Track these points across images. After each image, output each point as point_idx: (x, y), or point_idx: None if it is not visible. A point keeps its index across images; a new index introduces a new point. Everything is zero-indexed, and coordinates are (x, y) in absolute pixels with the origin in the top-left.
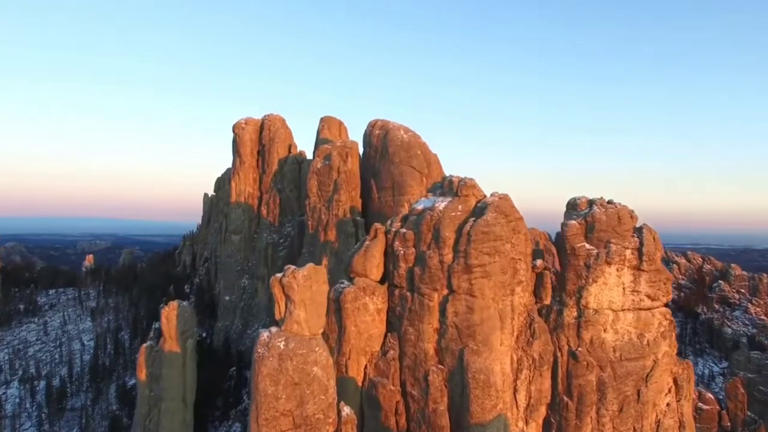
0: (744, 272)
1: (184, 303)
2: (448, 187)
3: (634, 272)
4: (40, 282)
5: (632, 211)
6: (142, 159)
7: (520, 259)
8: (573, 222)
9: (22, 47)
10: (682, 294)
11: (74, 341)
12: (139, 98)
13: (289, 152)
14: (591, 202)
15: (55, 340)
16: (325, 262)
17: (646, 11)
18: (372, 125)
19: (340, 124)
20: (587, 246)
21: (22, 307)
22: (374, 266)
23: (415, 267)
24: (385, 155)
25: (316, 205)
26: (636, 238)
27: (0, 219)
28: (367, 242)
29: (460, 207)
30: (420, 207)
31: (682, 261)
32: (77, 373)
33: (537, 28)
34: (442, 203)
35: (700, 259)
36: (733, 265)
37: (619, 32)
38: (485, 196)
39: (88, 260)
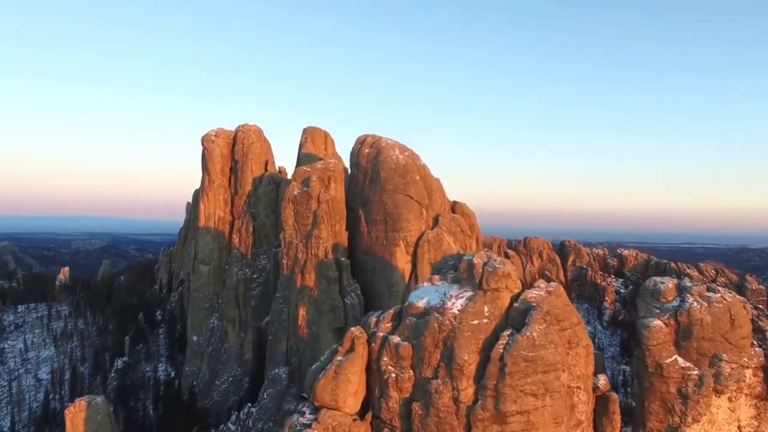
0: (762, 286)
1: (98, 399)
2: (467, 272)
3: (758, 403)
4: (8, 297)
5: (745, 303)
6: (139, 157)
7: (579, 387)
8: (657, 324)
9: (18, 46)
10: None
11: (30, 374)
12: (135, 96)
13: (266, 170)
14: (682, 289)
15: (12, 372)
16: (301, 312)
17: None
18: (360, 142)
19: (326, 135)
20: (681, 363)
21: None
22: (350, 394)
23: (413, 401)
24: (376, 180)
25: (292, 240)
26: (760, 350)
27: None
28: (339, 357)
29: (486, 309)
30: (421, 302)
31: (695, 274)
32: (23, 419)
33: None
34: (456, 300)
35: (713, 271)
36: (748, 277)
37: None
38: (523, 288)
39: (63, 273)
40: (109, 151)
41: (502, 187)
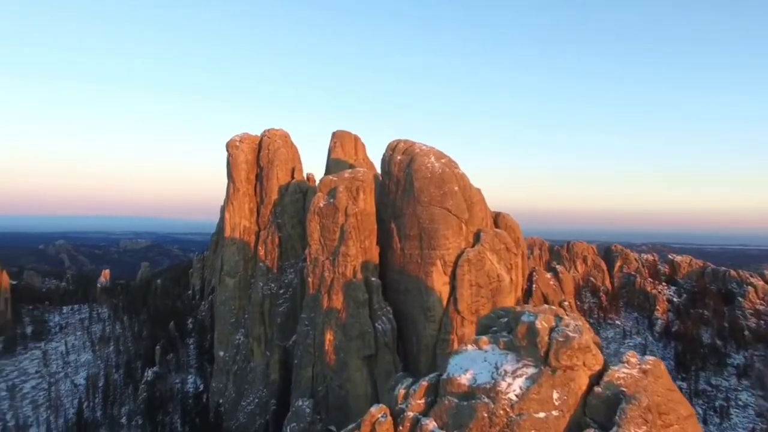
0: None
1: None
2: (527, 338)
3: None
4: (55, 298)
5: None
6: (184, 159)
7: None
8: None
9: (79, 51)
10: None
11: (69, 378)
12: (174, 102)
13: (293, 177)
14: None
15: (53, 375)
16: (328, 337)
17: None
18: (392, 148)
19: (356, 140)
20: None
21: (30, 329)
22: None
23: None
24: (409, 191)
25: (318, 257)
26: None
27: (51, 218)
28: None
29: (556, 396)
30: (465, 377)
31: (760, 284)
32: (60, 426)
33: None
34: (514, 379)
35: None
36: None
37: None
38: (605, 365)
39: (104, 276)
40: (156, 154)
41: (529, 186)
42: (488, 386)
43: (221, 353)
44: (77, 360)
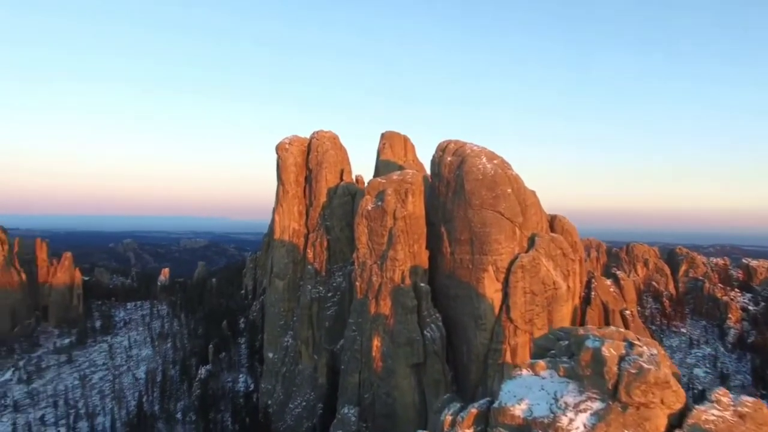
0: None
1: None
2: (591, 367)
3: None
4: (120, 295)
5: None
6: (241, 161)
7: None
8: None
9: (135, 57)
10: None
11: (131, 372)
12: (229, 105)
13: (341, 179)
14: None
15: (117, 368)
16: (376, 343)
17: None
18: (442, 149)
19: (406, 141)
20: None
21: (98, 323)
22: None
23: None
24: (460, 193)
25: (365, 261)
26: None
27: (121, 218)
28: None
29: None
30: (519, 408)
31: None
32: (122, 417)
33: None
34: (576, 414)
35: None
36: None
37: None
38: (687, 404)
39: (164, 274)
40: (215, 157)
41: (585, 184)
42: (546, 420)
43: (270, 354)
44: (138, 354)
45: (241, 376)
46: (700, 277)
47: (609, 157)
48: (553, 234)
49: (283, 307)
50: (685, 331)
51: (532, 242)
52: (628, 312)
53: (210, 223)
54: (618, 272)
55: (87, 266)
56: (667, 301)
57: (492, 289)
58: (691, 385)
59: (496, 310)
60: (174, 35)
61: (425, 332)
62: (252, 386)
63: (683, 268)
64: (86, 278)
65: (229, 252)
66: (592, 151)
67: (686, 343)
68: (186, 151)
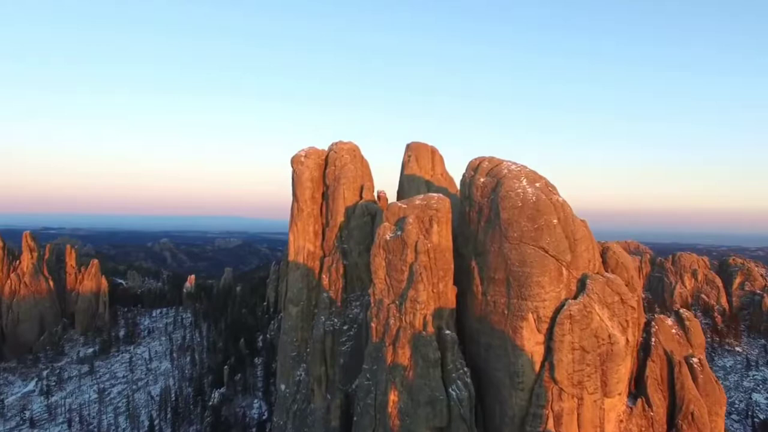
0: None
1: None
2: None
3: None
4: (146, 300)
5: None
6: (272, 160)
7: None
8: None
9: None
10: None
11: (150, 387)
12: (254, 105)
13: (362, 196)
14: None
15: (135, 382)
16: (392, 398)
17: None
18: (474, 168)
19: (433, 152)
20: None
21: (123, 332)
22: None
23: None
24: (494, 222)
25: (382, 299)
26: None
27: (158, 218)
28: None
29: None
30: None
31: None
32: None
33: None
34: None
35: None
36: None
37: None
38: None
39: (189, 281)
40: (250, 158)
41: (623, 183)
42: None
43: (282, 387)
44: (158, 368)
45: (255, 401)
46: (758, 291)
47: (651, 154)
48: (608, 274)
49: (296, 337)
50: (740, 350)
51: (582, 285)
52: (695, 359)
53: (245, 223)
54: (683, 311)
55: (123, 267)
56: (719, 317)
57: (532, 342)
58: (750, 413)
59: (537, 367)
60: (232, 42)
61: (450, 390)
62: (266, 414)
63: (738, 280)
64: (119, 281)
65: (262, 252)
66: (629, 147)
67: (742, 364)
68: (225, 152)
